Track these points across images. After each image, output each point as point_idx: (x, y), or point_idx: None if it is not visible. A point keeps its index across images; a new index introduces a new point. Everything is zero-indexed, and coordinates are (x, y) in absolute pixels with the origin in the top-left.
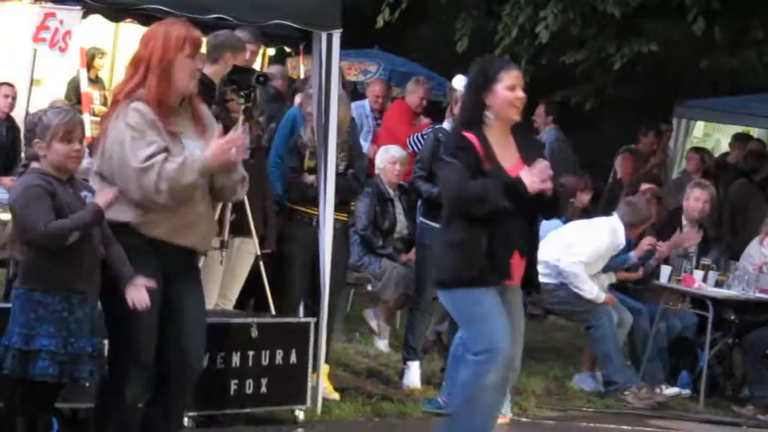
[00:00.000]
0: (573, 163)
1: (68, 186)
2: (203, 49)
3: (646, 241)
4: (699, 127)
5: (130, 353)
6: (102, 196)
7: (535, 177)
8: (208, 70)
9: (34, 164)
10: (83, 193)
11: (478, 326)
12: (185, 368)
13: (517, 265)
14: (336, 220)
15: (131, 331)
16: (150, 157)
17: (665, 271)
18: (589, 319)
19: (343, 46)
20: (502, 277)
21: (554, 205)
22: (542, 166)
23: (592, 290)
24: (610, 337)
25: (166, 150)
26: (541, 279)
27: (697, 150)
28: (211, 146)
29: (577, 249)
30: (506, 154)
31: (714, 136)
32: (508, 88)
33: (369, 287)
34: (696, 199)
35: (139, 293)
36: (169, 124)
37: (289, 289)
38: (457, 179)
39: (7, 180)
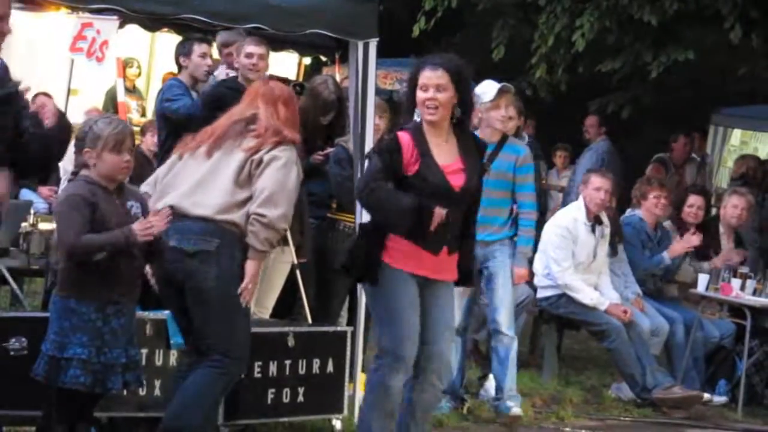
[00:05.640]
0: (621, 174)
1: (114, 196)
2: (214, 54)
3: (683, 245)
4: (736, 135)
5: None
6: (144, 223)
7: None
8: (222, 72)
9: (84, 171)
10: (129, 203)
11: (388, 326)
12: None
13: (446, 261)
14: None
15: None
16: None
17: (703, 279)
18: (603, 340)
19: (379, 54)
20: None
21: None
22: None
23: (591, 296)
24: (628, 357)
25: None
26: (542, 292)
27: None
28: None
29: (550, 253)
30: (442, 152)
31: (751, 144)
32: (421, 89)
33: None
34: (734, 207)
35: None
36: None
37: (333, 299)
38: (367, 175)
39: (44, 189)
